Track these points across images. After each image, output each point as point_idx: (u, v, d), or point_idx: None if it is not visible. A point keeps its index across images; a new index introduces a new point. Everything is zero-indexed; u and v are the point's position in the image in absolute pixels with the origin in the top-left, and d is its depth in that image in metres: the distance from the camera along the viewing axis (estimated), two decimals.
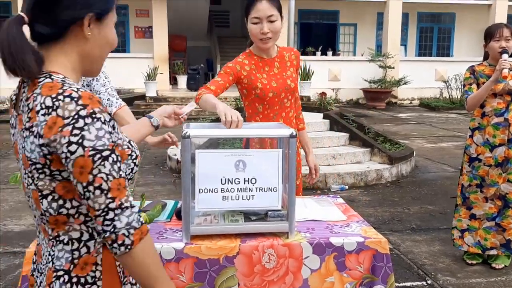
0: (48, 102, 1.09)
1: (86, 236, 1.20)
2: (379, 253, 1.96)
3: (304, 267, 1.93)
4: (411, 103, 16.19)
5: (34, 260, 1.32)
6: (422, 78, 15.85)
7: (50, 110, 1.08)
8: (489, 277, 3.40)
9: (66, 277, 1.18)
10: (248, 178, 1.91)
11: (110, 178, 1.10)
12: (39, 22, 1.16)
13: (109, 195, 1.10)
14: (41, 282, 1.25)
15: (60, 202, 1.16)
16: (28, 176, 1.17)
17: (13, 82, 1.21)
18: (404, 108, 15.31)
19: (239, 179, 1.91)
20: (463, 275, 3.44)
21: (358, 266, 1.95)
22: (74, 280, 1.18)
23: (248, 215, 2.02)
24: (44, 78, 1.15)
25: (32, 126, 1.11)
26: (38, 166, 1.13)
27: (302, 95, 13.40)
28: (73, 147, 1.07)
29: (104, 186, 1.09)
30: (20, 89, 1.22)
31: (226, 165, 1.89)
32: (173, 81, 15.69)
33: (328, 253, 1.94)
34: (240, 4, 19.87)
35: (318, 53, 15.79)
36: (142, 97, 13.47)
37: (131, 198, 1.15)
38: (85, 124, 1.08)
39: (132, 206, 1.14)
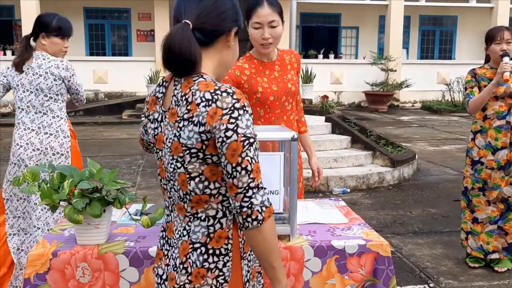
0: (208, 96, 1.31)
1: (220, 214, 1.40)
2: (381, 256, 1.96)
3: (305, 269, 1.93)
4: (413, 106, 16.18)
5: (164, 236, 1.52)
6: (424, 81, 15.85)
7: (210, 102, 1.30)
8: (492, 281, 3.40)
9: (203, 248, 1.38)
10: None
11: (253, 161, 1.31)
12: (198, 30, 1.37)
13: (251, 176, 1.30)
14: (172, 255, 1.46)
15: (206, 183, 1.36)
16: (177, 161, 1.37)
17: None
18: (406, 111, 15.30)
19: None
20: (465, 278, 3.44)
21: (359, 268, 1.95)
22: (210, 251, 1.38)
23: None
24: (198, 77, 1.36)
25: (192, 117, 1.32)
26: (193, 151, 1.33)
27: (304, 98, 13.40)
28: (229, 133, 1.28)
29: (249, 167, 1.30)
30: (167, 88, 1.45)
31: None
32: None
33: (329, 256, 1.94)
34: (242, 7, 19.93)
35: (320, 56, 15.80)
36: (144, 100, 13.50)
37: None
38: (239, 114, 1.30)
39: (264, 188, 1.34)
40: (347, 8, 16.56)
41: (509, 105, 3.41)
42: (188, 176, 1.36)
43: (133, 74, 14.29)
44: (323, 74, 15.27)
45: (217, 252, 1.39)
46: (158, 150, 1.46)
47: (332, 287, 1.95)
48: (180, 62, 1.34)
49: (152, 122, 1.49)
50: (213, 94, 1.31)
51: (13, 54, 14.19)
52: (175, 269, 1.42)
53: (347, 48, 17.47)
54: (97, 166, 1.87)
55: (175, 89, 1.39)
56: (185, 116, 1.33)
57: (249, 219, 1.30)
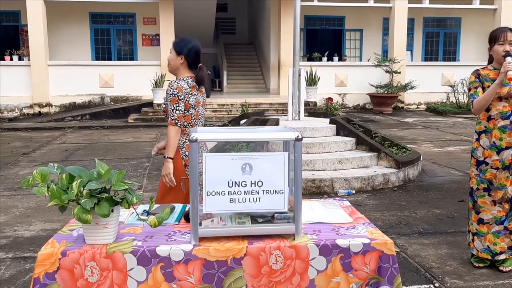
0: None
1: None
2: (385, 254, 1.98)
3: (310, 268, 1.96)
4: (417, 107, 16.16)
5: None
6: (428, 82, 15.84)
7: None
8: (497, 280, 3.40)
9: None
10: (255, 181, 1.95)
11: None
12: None
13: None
14: None
15: None
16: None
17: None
18: (410, 112, 15.29)
19: (245, 182, 1.94)
20: (470, 278, 3.44)
21: (364, 267, 1.98)
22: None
23: (255, 217, 2.05)
24: None
25: None
26: None
27: (308, 101, 13.44)
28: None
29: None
30: None
31: (233, 168, 1.93)
32: None
33: (334, 254, 1.97)
34: (247, 11, 19.98)
35: (325, 58, 15.83)
36: (150, 104, 13.57)
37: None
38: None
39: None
40: (351, 11, 16.59)
41: None
42: None
43: (138, 78, 14.37)
44: (328, 76, 15.30)
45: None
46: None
47: (337, 285, 1.97)
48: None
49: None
50: None
51: (20, 59, 14.30)
52: None
53: (351, 51, 17.48)
54: (105, 167, 1.90)
55: None
56: None
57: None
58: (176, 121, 3.05)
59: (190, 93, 3.10)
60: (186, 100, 3.08)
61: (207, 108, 13.51)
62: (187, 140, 3.10)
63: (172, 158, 3.06)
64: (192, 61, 3.17)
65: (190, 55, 3.15)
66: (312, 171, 6.25)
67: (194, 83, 3.15)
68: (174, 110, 3.04)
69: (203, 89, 3.25)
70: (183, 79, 3.11)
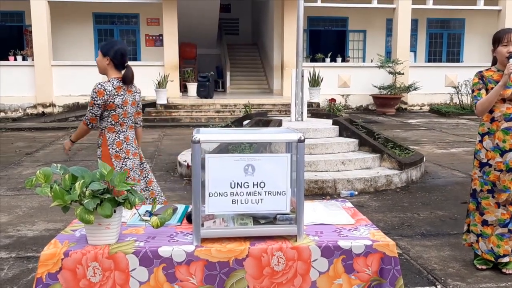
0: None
1: None
2: (387, 256, 1.98)
3: (312, 269, 1.96)
4: (421, 109, 16.13)
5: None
6: (432, 84, 15.81)
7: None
8: (499, 282, 3.39)
9: None
10: (257, 182, 1.95)
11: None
12: None
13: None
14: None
15: None
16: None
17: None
18: (414, 114, 15.26)
19: (248, 183, 1.94)
20: (473, 280, 3.43)
21: (366, 268, 1.97)
22: None
23: (257, 219, 2.05)
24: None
25: None
26: None
27: (311, 102, 13.44)
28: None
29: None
30: None
31: (236, 169, 1.93)
32: (183, 89, 15.80)
33: (336, 256, 1.97)
34: (250, 12, 19.99)
35: (328, 59, 15.82)
36: (153, 104, 13.59)
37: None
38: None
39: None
40: (354, 12, 16.57)
41: None
42: None
43: (141, 78, 14.30)
44: (331, 77, 15.28)
45: None
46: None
47: (339, 287, 1.97)
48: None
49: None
50: None
51: (23, 59, 14.35)
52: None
53: (354, 52, 17.47)
54: (108, 168, 1.91)
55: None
56: None
57: None
58: (88, 122, 3.40)
59: (116, 94, 3.35)
60: (111, 101, 3.34)
61: (210, 109, 13.53)
62: (116, 138, 3.43)
63: (73, 141, 3.60)
64: (119, 62, 3.40)
65: (116, 56, 3.37)
66: (315, 172, 6.25)
67: (120, 83, 3.39)
68: (88, 112, 3.37)
69: (133, 89, 3.51)
70: (109, 81, 3.38)
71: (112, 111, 3.36)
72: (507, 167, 3.42)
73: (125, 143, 3.46)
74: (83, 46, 15.67)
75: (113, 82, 3.36)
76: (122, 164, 3.42)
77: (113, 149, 3.41)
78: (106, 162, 3.36)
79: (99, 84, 3.34)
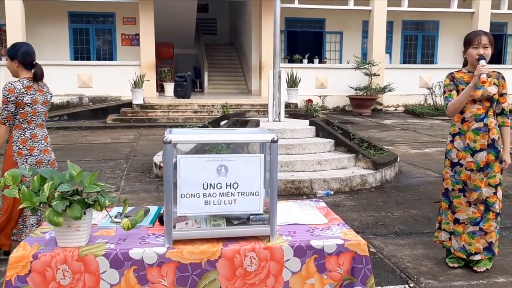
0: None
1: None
2: (359, 255, 2.00)
3: (285, 269, 1.97)
4: (396, 109, 16.36)
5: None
6: (407, 85, 16.05)
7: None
8: (471, 280, 3.46)
9: None
10: (230, 183, 1.95)
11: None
12: None
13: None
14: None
15: None
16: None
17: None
18: (389, 114, 15.46)
19: (221, 183, 1.94)
20: (445, 278, 3.49)
21: (338, 268, 1.99)
22: None
23: (230, 219, 2.05)
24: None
25: None
26: None
27: (289, 102, 13.49)
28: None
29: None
30: None
31: (208, 170, 1.92)
32: (160, 89, 15.68)
33: (308, 256, 1.98)
34: (228, 12, 19.97)
35: (305, 60, 15.91)
36: (129, 104, 13.45)
37: None
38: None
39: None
40: (331, 13, 16.71)
41: (486, 108, 3.48)
42: None
43: (117, 78, 14.23)
44: (308, 78, 15.38)
45: None
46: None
47: (311, 287, 1.98)
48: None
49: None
50: None
51: None
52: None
53: (331, 53, 17.61)
54: (77, 169, 1.88)
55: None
56: None
57: None
58: (5, 121, 3.51)
59: (25, 92, 3.51)
60: (21, 99, 3.49)
61: (187, 109, 13.45)
62: (22, 135, 3.57)
63: None
64: (27, 63, 3.61)
65: (24, 57, 3.59)
66: (292, 172, 6.27)
67: (30, 83, 3.57)
68: (3, 110, 3.48)
69: (45, 89, 3.71)
70: (19, 80, 3.54)
71: (21, 109, 3.52)
72: (477, 167, 3.49)
73: (30, 140, 3.59)
74: (58, 46, 15.41)
75: (23, 82, 3.54)
76: (23, 161, 3.55)
77: (16, 146, 3.55)
78: (7, 159, 3.54)
79: (9, 82, 3.49)
